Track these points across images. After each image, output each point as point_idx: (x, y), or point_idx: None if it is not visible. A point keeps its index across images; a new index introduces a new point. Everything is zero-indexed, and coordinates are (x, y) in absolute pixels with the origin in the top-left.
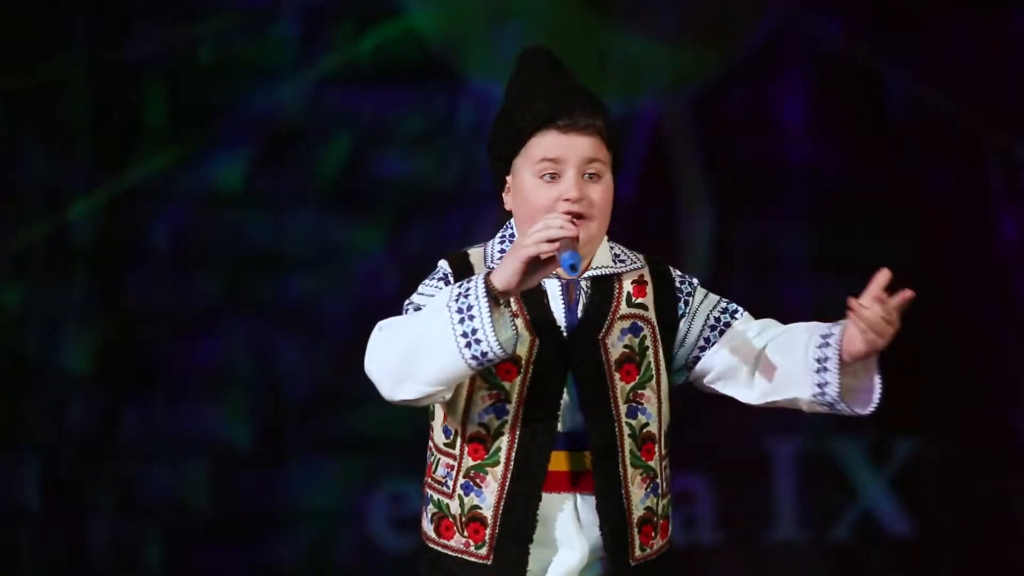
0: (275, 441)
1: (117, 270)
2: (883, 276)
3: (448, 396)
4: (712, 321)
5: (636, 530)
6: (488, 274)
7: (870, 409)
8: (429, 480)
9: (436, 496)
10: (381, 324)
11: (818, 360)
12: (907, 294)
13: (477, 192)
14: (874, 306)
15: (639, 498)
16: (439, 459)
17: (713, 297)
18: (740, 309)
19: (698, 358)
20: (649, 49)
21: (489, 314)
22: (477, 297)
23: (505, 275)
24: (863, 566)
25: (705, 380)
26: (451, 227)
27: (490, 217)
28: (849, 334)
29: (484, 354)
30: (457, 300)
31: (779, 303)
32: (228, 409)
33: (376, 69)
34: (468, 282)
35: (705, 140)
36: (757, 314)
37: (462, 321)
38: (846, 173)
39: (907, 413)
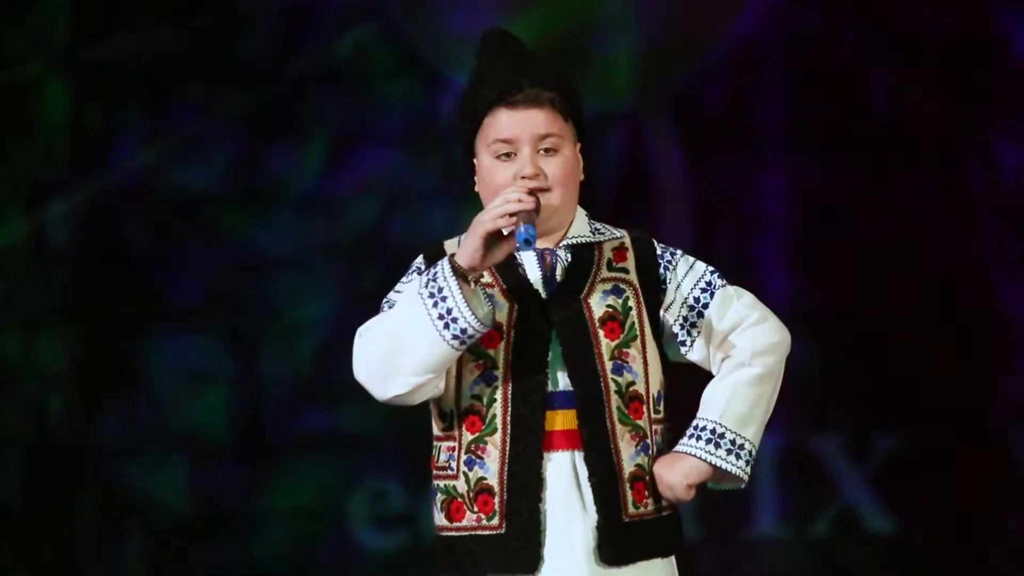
0: (256, 440)
1: (95, 269)
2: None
3: (440, 385)
4: (692, 302)
5: (628, 486)
6: (452, 255)
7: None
8: (435, 472)
9: (443, 483)
10: (360, 330)
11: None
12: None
13: (457, 189)
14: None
15: (629, 454)
16: (440, 447)
17: (697, 269)
18: (719, 280)
19: (675, 334)
20: (628, 46)
21: (460, 291)
22: (445, 278)
23: (467, 252)
24: (843, 562)
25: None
26: (432, 225)
27: (471, 214)
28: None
29: (464, 331)
30: (427, 286)
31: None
32: (208, 408)
33: (355, 67)
34: (435, 267)
35: (683, 138)
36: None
37: (436, 304)
38: (826, 172)
39: (887, 409)
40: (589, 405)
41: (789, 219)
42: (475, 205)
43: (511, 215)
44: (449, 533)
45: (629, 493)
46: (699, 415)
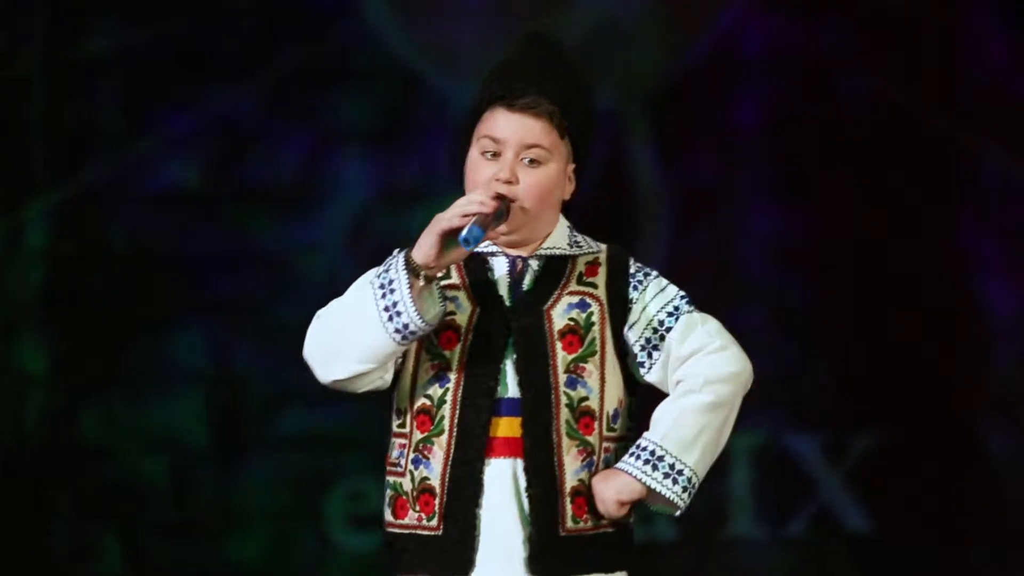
0: (234, 439)
1: (74, 269)
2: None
3: (386, 377)
4: (656, 324)
5: (568, 499)
6: (409, 249)
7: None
8: (387, 467)
9: (392, 479)
10: (319, 312)
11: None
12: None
13: (436, 190)
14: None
15: (573, 469)
16: (394, 443)
17: (667, 293)
18: (686, 304)
19: (635, 354)
20: (605, 47)
21: (408, 287)
22: (397, 271)
23: (423, 248)
24: (820, 562)
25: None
26: (412, 224)
27: None
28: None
29: (406, 326)
30: (380, 276)
31: (739, 304)
32: (186, 408)
33: (334, 68)
34: (392, 258)
35: (662, 140)
36: (715, 315)
37: (384, 296)
38: (806, 172)
39: (864, 409)
40: (534, 415)
41: (767, 219)
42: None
43: (468, 215)
44: (392, 529)
45: (569, 507)
46: (643, 435)
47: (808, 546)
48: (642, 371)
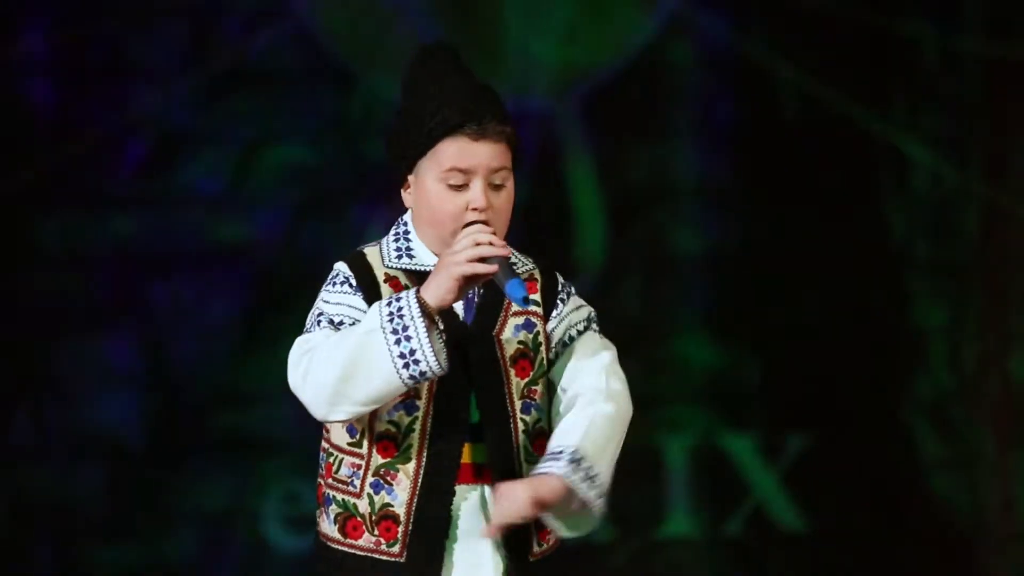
0: (168, 441)
1: (5, 270)
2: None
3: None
4: (566, 339)
5: (533, 525)
6: (419, 291)
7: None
8: (330, 480)
9: (340, 496)
10: (306, 346)
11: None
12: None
13: (369, 190)
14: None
15: None
16: (341, 459)
17: (582, 312)
18: (587, 331)
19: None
20: (540, 47)
21: (427, 333)
22: (412, 317)
23: (439, 293)
24: (756, 561)
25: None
26: (344, 225)
27: (383, 215)
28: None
29: (423, 373)
30: (392, 321)
31: (673, 304)
32: (120, 410)
33: (266, 67)
34: (398, 300)
35: (595, 139)
36: (650, 315)
37: (398, 342)
38: (739, 171)
39: (798, 409)
40: (499, 444)
41: (701, 219)
42: (392, 208)
43: (484, 259)
44: (341, 548)
45: (534, 532)
46: (554, 443)
47: (743, 545)
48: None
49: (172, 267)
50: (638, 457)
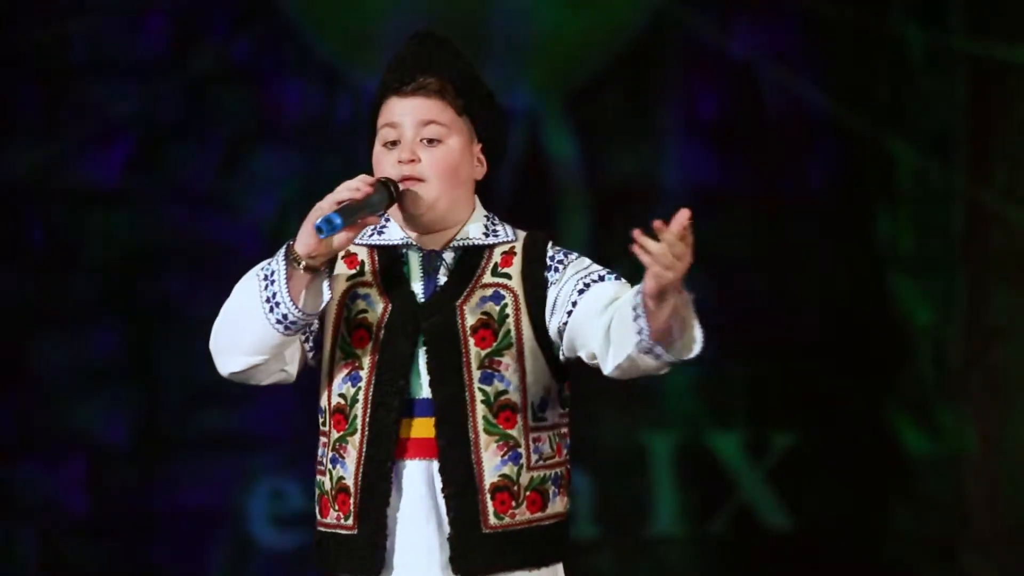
0: (152, 439)
1: None
2: (682, 215)
3: (291, 371)
4: (581, 286)
5: (488, 496)
6: (293, 241)
7: (691, 355)
8: (316, 466)
9: (318, 477)
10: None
11: (634, 308)
12: (683, 217)
13: None
14: (660, 238)
15: (492, 465)
16: (319, 440)
17: (592, 267)
18: (611, 275)
19: (566, 323)
20: (528, 44)
21: (286, 277)
22: (278, 261)
23: (302, 237)
24: (741, 559)
25: (572, 350)
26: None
27: None
28: (646, 275)
29: (285, 316)
30: (264, 268)
31: None
32: (104, 407)
33: (251, 65)
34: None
35: (583, 136)
36: None
37: (266, 287)
38: (723, 169)
39: (783, 407)
40: (448, 415)
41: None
42: None
43: (341, 202)
44: (320, 529)
45: (490, 504)
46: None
47: (729, 544)
48: (571, 319)
49: (157, 265)
50: (624, 455)
